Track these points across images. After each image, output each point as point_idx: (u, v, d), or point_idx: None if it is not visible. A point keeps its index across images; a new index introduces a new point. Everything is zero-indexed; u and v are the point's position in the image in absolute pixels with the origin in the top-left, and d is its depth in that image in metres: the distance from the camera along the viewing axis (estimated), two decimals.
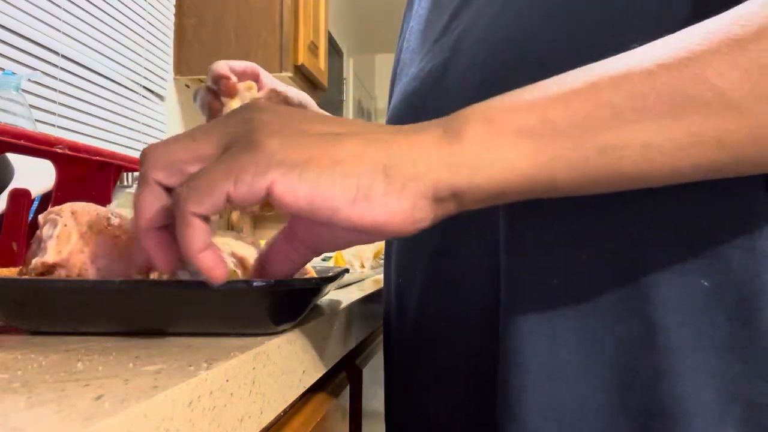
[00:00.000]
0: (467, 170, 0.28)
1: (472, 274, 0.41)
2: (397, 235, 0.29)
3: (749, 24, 0.27)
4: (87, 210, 0.37)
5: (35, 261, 0.35)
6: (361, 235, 0.30)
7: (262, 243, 0.39)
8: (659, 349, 0.34)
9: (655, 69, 0.28)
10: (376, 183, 0.28)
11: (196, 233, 0.29)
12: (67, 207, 0.37)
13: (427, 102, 0.47)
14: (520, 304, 0.36)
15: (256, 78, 0.56)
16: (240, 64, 0.54)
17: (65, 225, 0.36)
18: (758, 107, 0.26)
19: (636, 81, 0.28)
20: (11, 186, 0.51)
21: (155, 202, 0.30)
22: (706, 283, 0.33)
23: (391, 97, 0.62)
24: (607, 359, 0.35)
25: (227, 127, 0.30)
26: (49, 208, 0.38)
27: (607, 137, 0.28)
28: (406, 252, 0.49)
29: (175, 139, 0.31)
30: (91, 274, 0.36)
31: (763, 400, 0.32)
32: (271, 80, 0.58)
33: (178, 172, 0.30)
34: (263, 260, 0.35)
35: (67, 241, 0.36)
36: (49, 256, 0.35)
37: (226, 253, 0.37)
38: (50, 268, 0.35)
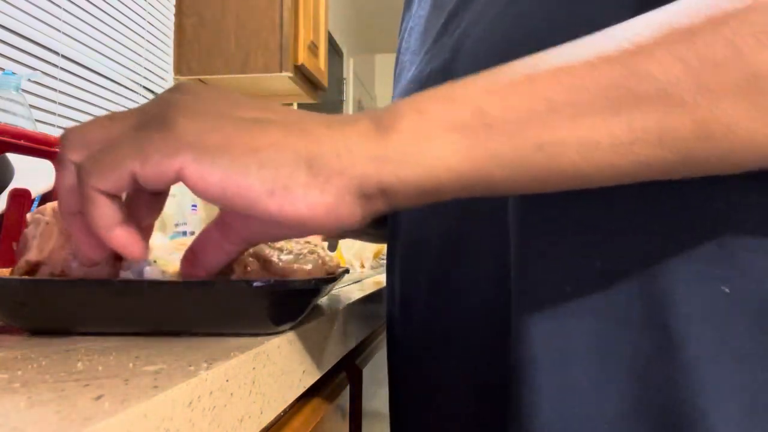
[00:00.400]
0: (394, 165, 0.26)
1: (477, 282, 0.41)
2: (321, 232, 0.28)
3: (697, 14, 0.25)
4: None
5: (21, 260, 0.36)
6: (291, 229, 0.29)
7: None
8: (678, 361, 0.32)
9: (595, 61, 0.26)
10: (297, 174, 0.26)
11: (102, 210, 0.27)
12: (50, 206, 0.37)
13: None
14: (531, 313, 0.35)
15: None
16: None
17: (47, 223, 0.36)
18: (702, 102, 0.25)
19: (575, 74, 0.26)
20: (11, 186, 0.51)
21: (74, 184, 0.29)
22: (726, 290, 0.32)
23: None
24: (624, 372, 0.33)
25: (146, 107, 0.29)
26: (37, 208, 0.38)
27: (543, 134, 0.26)
28: (411, 259, 0.48)
29: (94, 120, 0.29)
30: (74, 269, 0.36)
31: None
32: None
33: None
34: (195, 248, 0.33)
35: (49, 239, 0.36)
36: (32, 254, 0.36)
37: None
38: (34, 267, 0.36)
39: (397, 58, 0.60)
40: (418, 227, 0.48)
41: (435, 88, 0.29)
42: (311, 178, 0.26)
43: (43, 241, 0.36)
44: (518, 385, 0.35)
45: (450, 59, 0.44)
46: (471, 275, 0.41)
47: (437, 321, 0.44)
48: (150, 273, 0.36)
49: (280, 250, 0.38)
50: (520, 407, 0.35)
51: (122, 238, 0.28)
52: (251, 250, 0.37)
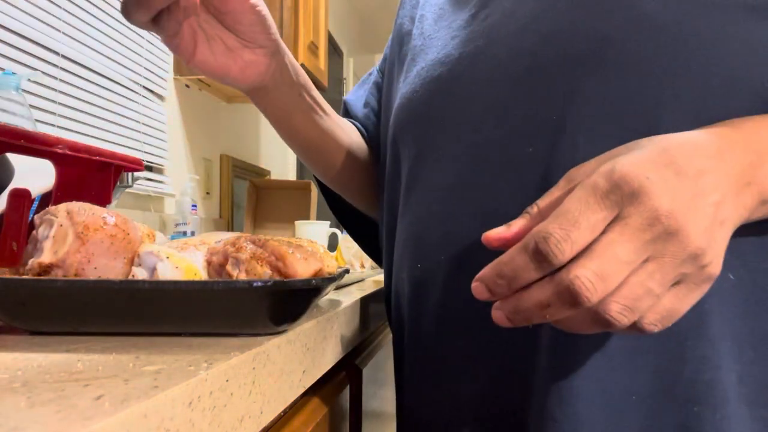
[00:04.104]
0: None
1: None
2: None
3: None
4: (83, 209, 0.37)
5: (32, 262, 0.35)
6: None
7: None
8: (706, 338, 0.36)
9: None
10: None
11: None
12: (63, 207, 0.37)
13: (457, 86, 0.48)
14: None
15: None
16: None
17: (60, 225, 0.36)
18: None
19: None
20: (11, 186, 0.51)
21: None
22: (731, 276, 0.36)
23: (391, 77, 0.62)
24: (659, 348, 0.37)
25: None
26: (45, 209, 0.38)
27: None
28: (428, 236, 0.48)
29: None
30: (88, 273, 0.36)
31: None
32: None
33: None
34: None
35: (63, 242, 0.36)
36: (46, 256, 0.35)
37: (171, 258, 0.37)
38: (47, 269, 0.35)
39: (401, 42, 0.61)
40: (442, 201, 0.47)
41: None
42: None
43: (56, 244, 0.35)
44: (556, 358, 0.38)
45: (483, 45, 0.47)
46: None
47: (460, 305, 0.44)
48: (162, 269, 0.36)
49: (293, 246, 0.38)
50: (559, 379, 0.38)
51: None
52: (269, 249, 0.37)
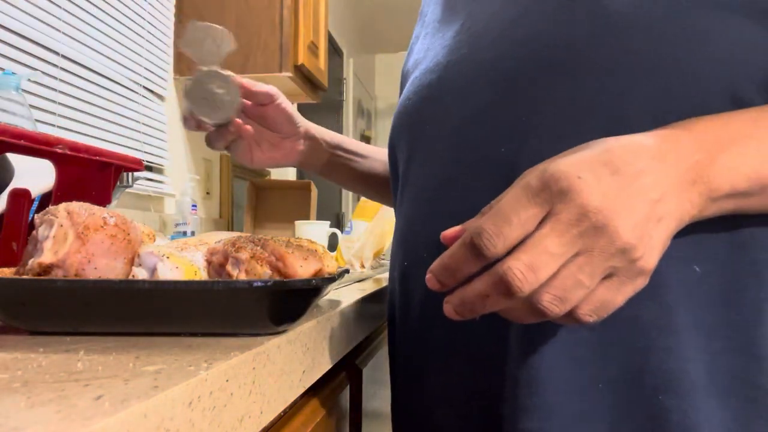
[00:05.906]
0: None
1: None
2: None
3: None
4: (83, 210, 0.37)
5: (32, 262, 0.35)
6: None
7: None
8: (671, 329, 0.37)
9: None
10: None
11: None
12: (63, 207, 0.37)
13: (443, 92, 0.49)
14: None
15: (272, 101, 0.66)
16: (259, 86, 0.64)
17: (61, 225, 0.36)
18: None
19: None
20: (11, 186, 0.51)
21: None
22: (698, 269, 0.38)
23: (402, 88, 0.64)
24: (624, 340, 0.38)
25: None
26: (46, 209, 0.38)
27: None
28: (415, 234, 0.50)
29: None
30: (88, 273, 0.36)
31: (745, 374, 0.37)
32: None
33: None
34: None
35: (63, 242, 0.35)
36: (46, 256, 0.35)
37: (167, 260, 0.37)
38: (47, 269, 0.35)
39: (408, 57, 0.64)
40: (425, 201, 0.50)
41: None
42: None
43: (56, 244, 0.35)
44: (525, 352, 0.39)
45: (468, 53, 0.48)
46: None
47: (439, 298, 0.45)
48: (162, 268, 0.36)
49: (293, 246, 0.38)
50: (528, 372, 0.39)
51: None
52: (269, 249, 0.37)
